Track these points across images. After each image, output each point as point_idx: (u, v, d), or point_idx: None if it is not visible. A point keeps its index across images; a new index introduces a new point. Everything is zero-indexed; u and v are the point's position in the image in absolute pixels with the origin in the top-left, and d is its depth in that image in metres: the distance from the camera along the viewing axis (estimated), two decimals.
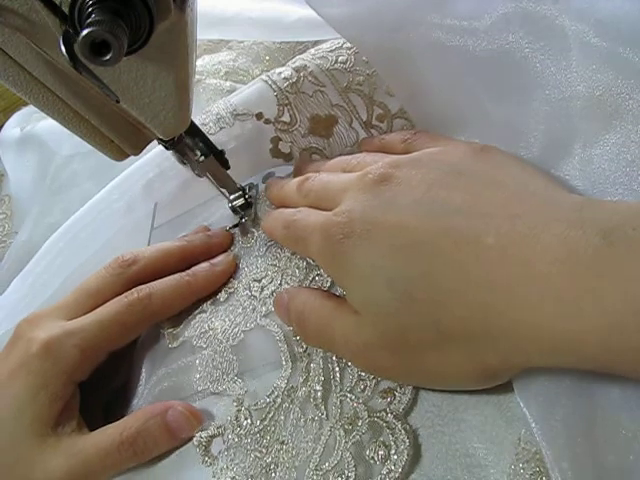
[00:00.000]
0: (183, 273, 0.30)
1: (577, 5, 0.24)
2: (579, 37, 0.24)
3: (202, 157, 0.31)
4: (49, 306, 0.30)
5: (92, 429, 0.27)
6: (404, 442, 0.21)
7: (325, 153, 0.34)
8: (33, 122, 0.52)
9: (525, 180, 0.22)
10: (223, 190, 0.33)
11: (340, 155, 0.33)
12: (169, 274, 0.31)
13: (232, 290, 0.30)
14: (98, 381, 0.29)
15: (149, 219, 0.37)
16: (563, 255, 0.18)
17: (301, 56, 0.35)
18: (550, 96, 0.25)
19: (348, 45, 0.34)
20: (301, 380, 0.25)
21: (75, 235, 0.39)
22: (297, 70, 0.34)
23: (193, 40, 0.24)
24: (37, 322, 0.29)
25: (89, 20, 0.18)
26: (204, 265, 0.31)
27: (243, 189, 0.34)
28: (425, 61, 0.29)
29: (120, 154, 0.28)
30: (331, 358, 0.25)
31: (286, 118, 0.34)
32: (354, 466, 0.22)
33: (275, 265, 0.30)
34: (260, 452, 0.24)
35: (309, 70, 0.34)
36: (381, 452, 0.22)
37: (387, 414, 0.22)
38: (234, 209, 0.34)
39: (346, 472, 0.22)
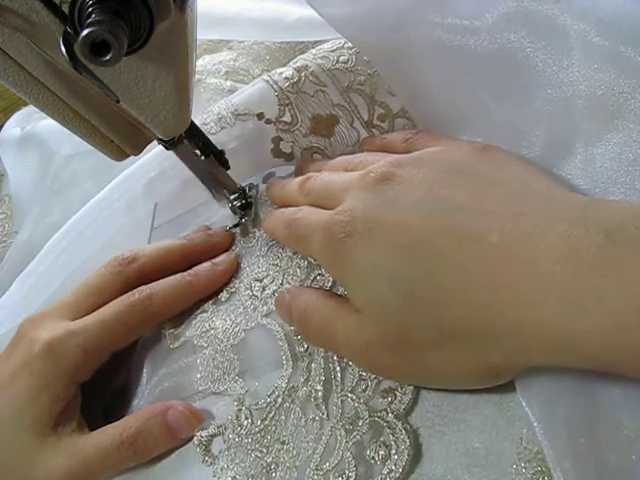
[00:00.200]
0: (185, 273, 0.30)
1: (579, 4, 0.24)
2: (581, 36, 0.24)
3: (202, 157, 0.31)
4: (50, 305, 0.30)
5: (92, 429, 0.27)
6: (405, 442, 0.21)
7: (326, 153, 0.34)
8: (33, 122, 0.52)
9: (527, 179, 0.22)
10: (223, 190, 0.33)
11: (342, 155, 0.33)
12: (169, 272, 0.31)
13: (233, 290, 0.30)
14: (99, 381, 0.29)
15: (150, 219, 0.37)
16: (566, 254, 0.18)
17: (302, 56, 0.35)
18: (552, 95, 0.25)
19: (349, 45, 0.34)
20: (302, 380, 0.25)
21: (77, 234, 0.39)
22: (298, 70, 0.34)
23: (193, 40, 0.24)
24: (39, 322, 0.29)
25: (89, 20, 0.18)
26: (206, 265, 0.31)
27: (243, 189, 0.34)
28: (426, 61, 0.29)
29: (120, 154, 0.28)
30: (332, 358, 0.25)
31: (287, 118, 0.34)
32: (355, 466, 0.22)
33: (276, 265, 0.30)
34: (261, 452, 0.24)
35: (310, 70, 0.34)
36: (382, 452, 0.22)
37: (388, 414, 0.22)
38: (234, 209, 0.34)
39: (347, 472, 0.22)
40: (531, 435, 0.20)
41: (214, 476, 0.24)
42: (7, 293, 0.39)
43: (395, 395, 0.23)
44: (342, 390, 0.24)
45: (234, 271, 0.31)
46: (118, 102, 0.23)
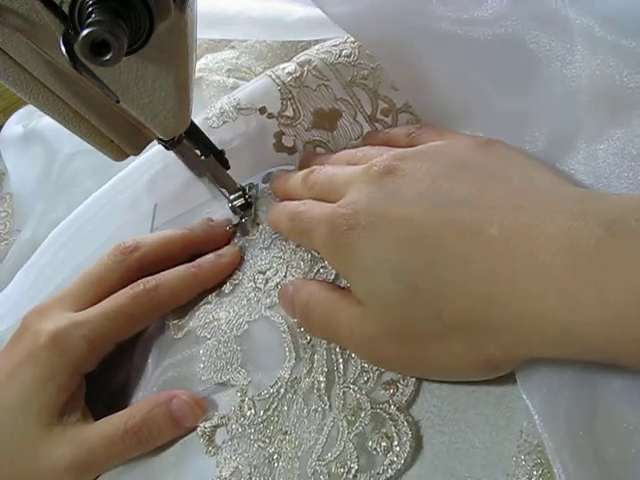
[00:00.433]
0: (189, 264, 0.31)
1: None
2: (584, 31, 0.24)
3: (202, 157, 0.31)
4: (54, 297, 0.30)
5: (96, 419, 0.27)
6: (406, 434, 0.22)
7: (329, 146, 0.34)
8: (35, 120, 0.52)
9: (529, 173, 0.22)
10: (223, 190, 0.33)
11: (345, 149, 0.33)
12: (171, 261, 0.31)
13: (237, 282, 0.30)
14: (103, 372, 0.29)
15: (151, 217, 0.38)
16: (566, 246, 0.18)
17: (306, 51, 0.35)
18: (555, 90, 0.25)
19: (352, 39, 0.34)
20: (305, 371, 0.25)
21: (79, 229, 0.39)
22: (301, 64, 0.34)
23: (193, 40, 0.24)
24: (44, 313, 0.29)
25: (89, 20, 0.18)
26: (210, 256, 0.31)
27: (243, 189, 0.34)
28: (429, 55, 0.29)
29: (120, 154, 0.28)
30: (335, 350, 0.25)
31: (289, 112, 0.34)
32: (356, 457, 0.22)
33: (280, 257, 0.30)
34: (263, 442, 0.24)
35: (313, 64, 0.34)
36: (384, 443, 0.22)
37: (390, 406, 0.22)
38: (234, 209, 0.34)
39: (348, 463, 0.22)
40: (531, 428, 0.20)
41: (217, 466, 0.25)
42: (9, 287, 0.39)
43: (397, 387, 0.23)
44: (344, 382, 0.24)
45: (238, 263, 0.31)
46: (118, 102, 0.23)
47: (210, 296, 0.31)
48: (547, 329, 0.18)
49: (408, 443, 0.21)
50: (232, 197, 0.34)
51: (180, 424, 0.26)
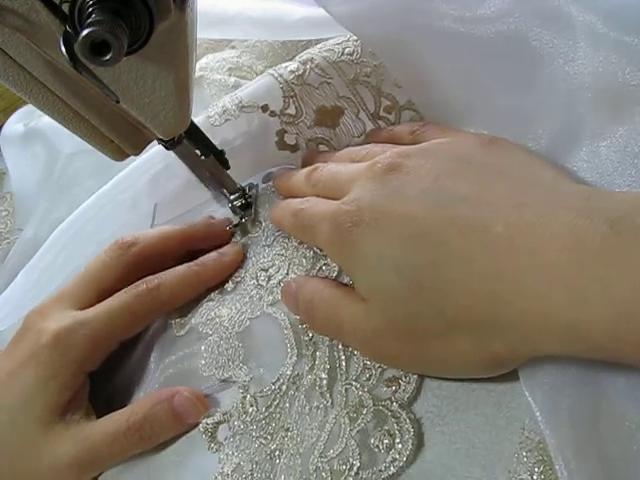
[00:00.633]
0: (191, 263, 0.31)
1: None
2: (587, 27, 0.24)
3: (202, 157, 0.31)
4: (54, 296, 0.30)
5: (99, 417, 0.27)
6: (409, 431, 0.22)
7: (332, 144, 0.34)
8: (36, 119, 0.52)
9: (533, 171, 0.22)
10: (223, 190, 0.33)
11: (348, 146, 0.33)
12: (170, 257, 0.31)
13: (239, 279, 0.30)
14: (105, 370, 0.29)
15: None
16: (571, 244, 0.18)
17: (308, 50, 0.35)
18: (558, 88, 0.25)
19: (355, 37, 0.34)
20: (307, 368, 0.25)
21: (80, 229, 0.39)
22: (303, 63, 0.34)
23: (193, 40, 0.24)
24: (46, 313, 0.29)
25: (89, 20, 0.18)
26: (212, 255, 0.31)
27: (243, 189, 0.34)
28: (432, 53, 0.29)
29: (120, 154, 0.28)
30: (337, 346, 0.25)
31: (292, 110, 0.34)
32: (359, 454, 0.22)
33: (282, 254, 0.30)
34: (265, 439, 0.24)
35: (315, 62, 0.34)
36: (386, 440, 0.22)
37: (392, 403, 0.22)
38: (234, 209, 0.34)
39: (350, 460, 0.22)
40: (533, 425, 0.20)
41: (219, 462, 0.25)
42: (10, 287, 0.39)
43: (399, 384, 0.23)
44: (346, 378, 0.24)
45: (240, 261, 0.31)
46: (118, 102, 0.23)
47: (212, 294, 0.31)
48: (552, 326, 0.18)
49: (410, 440, 0.21)
50: (232, 197, 0.34)
51: (182, 420, 0.26)
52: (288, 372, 0.25)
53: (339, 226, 0.23)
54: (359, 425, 0.22)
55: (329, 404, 0.24)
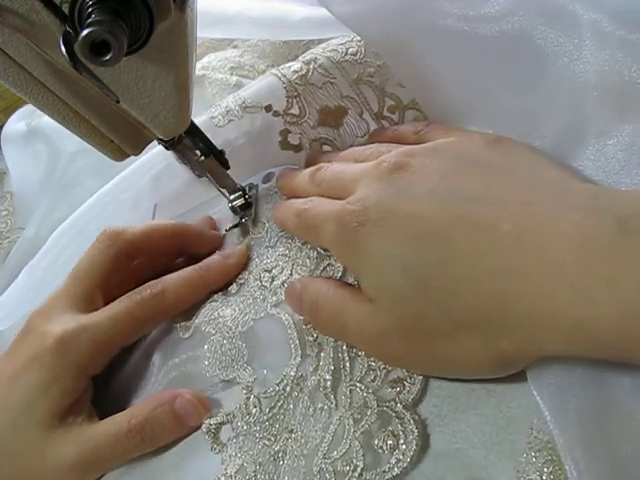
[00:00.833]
0: (195, 266, 0.30)
1: None
2: (592, 26, 0.23)
3: (202, 157, 0.31)
4: (51, 296, 0.30)
5: (102, 419, 0.27)
6: (413, 432, 0.21)
7: (335, 144, 0.34)
8: (37, 118, 0.52)
9: (539, 170, 0.22)
10: (223, 190, 0.33)
11: (351, 146, 0.33)
12: (160, 253, 0.31)
13: (243, 281, 0.30)
14: (109, 373, 0.29)
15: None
16: (578, 242, 0.18)
17: (311, 50, 0.35)
18: (563, 87, 0.25)
19: (358, 37, 0.34)
20: (311, 369, 0.25)
21: (81, 228, 0.39)
22: (307, 63, 0.34)
23: (193, 40, 0.24)
24: (49, 315, 0.28)
25: (89, 20, 0.18)
26: (216, 257, 0.31)
27: (243, 189, 0.34)
28: (436, 52, 0.29)
29: (120, 154, 0.28)
30: (341, 347, 0.25)
31: (295, 110, 0.34)
32: (362, 455, 0.22)
33: (286, 255, 0.29)
34: (269, 440, 0.24)
35: (319, 62, 0.34)
36: (390, 442, 0.21)
37: (396, 404, 0.22)
38: (234, 209, 0.34)
39: (354, 461, 0.22)
40: (541, 424, 0.20)
41: (222, 463, 0.24)
42: (11, 287, 0.39)
43: (404, 385, 0.23)
44: (351, 380, 0.24)
45: (244, 263, 0.31)
46: (118, 102, 0.23)
47: (216, 295, 0.30)
48: (559, 325, 0.18)
49: (414, 441, 0.21)
50: (232, 197, 0.34)
51: (183, 423, 0.26)
52: (292, 373, 0.25)
53: (344, 226, 0.23)
54: (363, 426, 0.22)
55: (333, 405, 0.23)
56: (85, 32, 0.18)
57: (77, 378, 0.27)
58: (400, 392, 0.23)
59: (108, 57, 0.18)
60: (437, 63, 0.29)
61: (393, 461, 0.21)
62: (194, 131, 0.30)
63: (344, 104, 0.33)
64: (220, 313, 0.29)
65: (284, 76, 0.34)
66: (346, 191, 0.25)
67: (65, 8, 0.19)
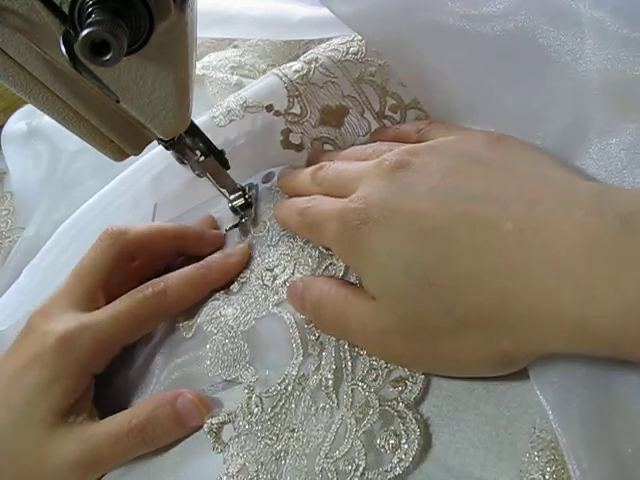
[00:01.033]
0: (197, 264, 0.30)
1: None
2: (595, 24, 0.23)
3: (202, 157, 0.31)
4: (53, 295, 0.30)
5: (102, 418, 0.27)
6: (415, 431, 0.21)
7: (337, 143, 0.34)
8: (38, 118, 0.52)
9: (542, 168, 0.22)
10: (223, 190, 0.33)
11: (353, 145, 0.33)
12: (161, 254, 0.31)
13: (244, 280, 0.30)
14: (111, 373, 0.29)
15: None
16: (581, 240, 0.18)
17: (312, 50, 0.35)
18: (566, 85, 0.25)
19: (359, 37, 0.34)
20: (313, 368, 0.25)
21: (82, 228, 0.39)
22: (308, 62, 0.34)
23: (193, 40, 0.24)
24: (50, 314, 0.28)
25: (89, 20, 0.18)
26: (218, 256, 0.31)
27: (243, 189, 0.34)
28: (438, 51, 0.29)
29: (120, 154, 0.28)
30: (343, 347, 0.25)
31: (296, 110, 0.34)
32: (364, 454, 0.22)
33: (287, 254, 0.29)
34: (270, 439, 0.24)
35: (320, 62, 0.34)
36: (392, 441, 0.21)
37: (398, 403, 0.22)
38: (234, 209, 0.34)
39: (356, 460, 0.22)
40: (544, 424, 0.20)
41: (224, 463, 0.24)
42: (12, 288, 0.39)
43: (406, 385, 0.23)
44: (353, 379, 0.24)
45: (246, 262, 0.31)
46: (118, 102, 0.23)
47: (218, 294, 0.30)
48: (561, 323, 0.18)
49: (416, 441, 0.21)
50: (232, 197, 0.34)
51: (185, 423, 0.26)
52: (294, 372, 0.25)
53: (347, 224, 0.23)
54: (365, 426, 0.22)
55: (335, 405, 0.23)
56: (85, 32, 0.18)
57: (79, 377, 0.27)
58: (402, 391, 0.23)
59: (108, 57, 0.18)
60: (438, 62, 0.29)
61: (395, 460, 0.21)
62: (194, 131, 0.30)
63: (345, 103, 0.33)
64: (222, 312, 0.29)
65: (285, 76, 0.34)
66: (348, 189, 0.25)
67: (65, 8, 0.19)
